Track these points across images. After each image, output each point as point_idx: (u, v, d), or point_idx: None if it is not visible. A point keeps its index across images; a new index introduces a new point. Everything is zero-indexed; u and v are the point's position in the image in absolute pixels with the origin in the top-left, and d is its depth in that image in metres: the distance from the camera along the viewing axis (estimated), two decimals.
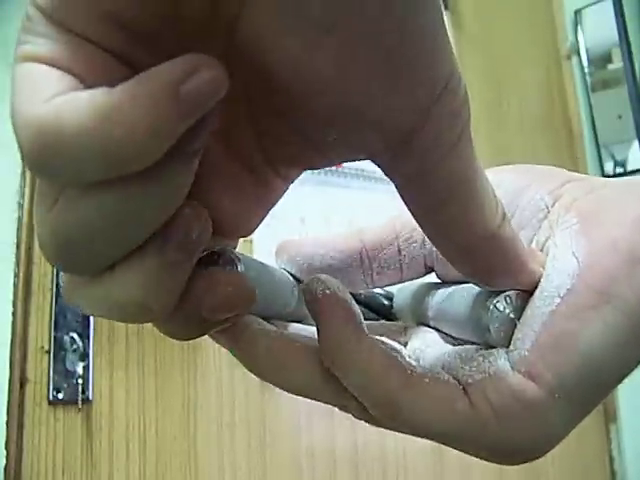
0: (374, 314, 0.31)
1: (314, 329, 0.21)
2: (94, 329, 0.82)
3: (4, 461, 0.74)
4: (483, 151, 1.24)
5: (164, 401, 0.87)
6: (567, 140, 1.48)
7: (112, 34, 0.14)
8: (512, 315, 0.21)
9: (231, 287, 0.18)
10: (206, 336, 0.21)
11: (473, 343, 0.23)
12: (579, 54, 1.51)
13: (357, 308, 0.21)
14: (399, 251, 0.26)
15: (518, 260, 0.20)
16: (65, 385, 0.80)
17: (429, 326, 0.27)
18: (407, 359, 0.21)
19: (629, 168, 1.46)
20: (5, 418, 0.75)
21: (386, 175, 0.19)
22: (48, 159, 0.13)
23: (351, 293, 0.22)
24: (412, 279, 0.27)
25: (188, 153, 0.15)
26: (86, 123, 0.13)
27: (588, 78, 1.51)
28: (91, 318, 0.82)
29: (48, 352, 0.81)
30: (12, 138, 0.14)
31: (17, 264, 0.80)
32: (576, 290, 0.20)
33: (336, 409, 0.23)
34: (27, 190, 0.80)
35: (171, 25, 0.15)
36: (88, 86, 0.14)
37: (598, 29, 1.48)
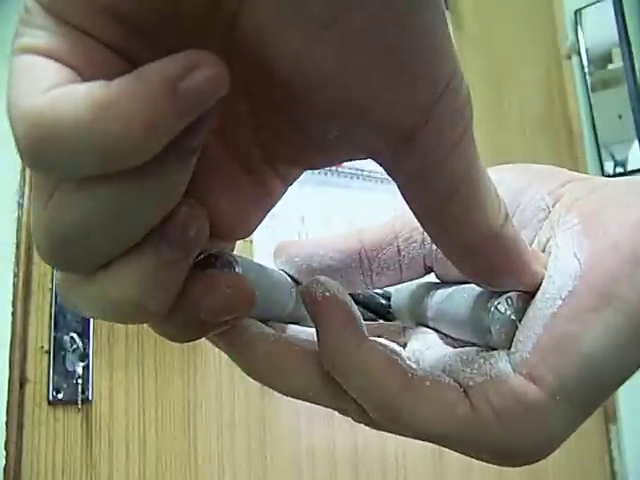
0: (372, 314, 0.31)
1: (313, 331, 0.21)
2: (94, 329, 0.82)
3: (4, 461, 0.74)
4: (483, 151, 1.23)
5: (164, 401, 0.87)
6: (567, 140, 1.48)
7: (111, 28, 0.14)
8: (513, 317, 0.21)
9: (230, 289, 0.18)
10: None
11: (473, 344, 0.23)
12: (579, 54, 1.51)
13: (357, 310, 0.21)
14: (398, 251, 0.26)
15: (520, 260, 0.20)
16: (65, 385, 0.80)
17: (428, 327, 0.27)
18: (407, 361, 0.21)
19: (629, 168, 1.46)
20: (5, 418, 0.75)
21: (388, 174, 0.18)
22: (43, 152, 0.13)
23: (349, 293, 0.22)
24: (412, 279, 0.27)
25: (186, 150, 0.15)
26: (83, 116, 0.13)
27: (588, 78, 1.51)
28: (91, 318, 0.82)
29: (48, 352, 0.81)
30: (12, 136, 0.14)
31: (17, 264, 0.80)
32: (578, 292, 0.20)
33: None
34: (27, 190, 0.80)
35: (171, 20, 0.14)
36: (86, 79, 0.14)
37: (598, 29, 1.48)
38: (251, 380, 0.22)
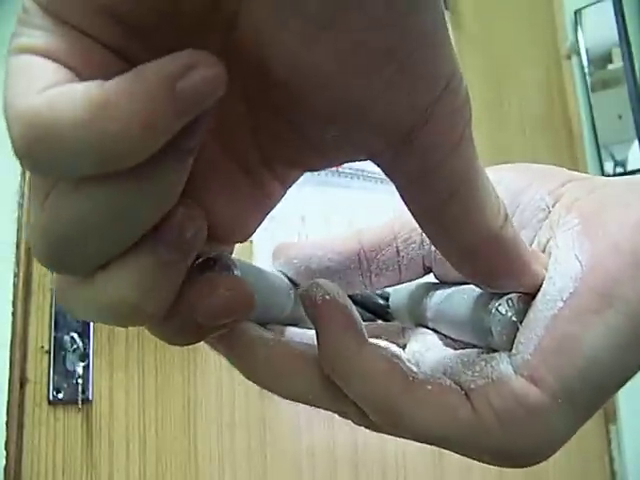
0: (370, 314, 0.31)
1: (312, 333, 0.21)
2: (94, 329, 0.82)
3: (4, 461, 0.74)
4: (483, 151, 1.23)
5: (164, 401, 0.87)
6: (567, 140, 1.48)
7: (109, 28, 0.14)
8: (514, 318, 0.21)
9: (230, 292, 0.18)
10: None
11: (474, 345, 0.23)
12: (579, 54, 1.51)
13: (357, 313, 0.21)
14: (397, 252, 0.26)
15: (521, 261, 0.20)
16: (65, 385, 0.80)
17: (428, 327, 0.27)
18: (407, 364, 0.21)
19: (629, 168, 1.46)
20: (5, 418, 0.75)
21: (387, 175, 0.18)
22: (40, 152, 0.13)
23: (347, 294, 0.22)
24: (411, 280, 0.27)
25: (183, 150, 0.15)
26: (80, 115, 0.13)
27: (588, 78, 1.51)
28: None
29: (48, 352, 0.81)
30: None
31: (17, 264, 0.80)
32: (579, 293, 0.19)
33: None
34: (27, 190, 0.80)
35: (170, 20, 0.14)
36: (84, 80, 0.14)
37: (598, 29, 1.48)
38: None
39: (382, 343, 0.25)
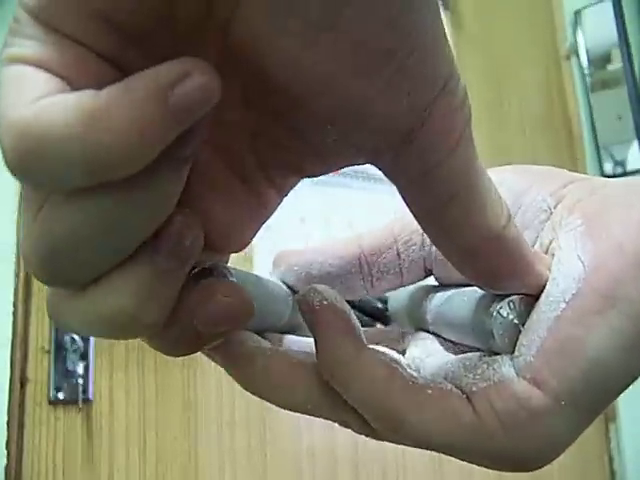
0: (368, 318, 0.31)
1: (310, 340, 0.21)
2: None
3: (5, 461, 0.74)
4: (483, 151, 1.24)
5: (164, 401, 0.87)
6: (567, 140, 1.48)
7: (102, 36, 0.14)
8: (516, 321, 0.21)
9: (228, 298, 0.18)
10: None
11: (475, 349, 0.23)
12: (579, 54, 1.51)
13: (355, 319, 0.21)
14: (398, 255, 0.26)
15: (524, 262, 0.20)
16: (65, 385, 0.80)
17: (428, 331, 0.27)
18: (408, 369, 0.21)
19: (628, 168, 1.46)
20: (6, 418, 0.75)
21: (387, 177, 0.18)
22: (31, 163, 0.13)
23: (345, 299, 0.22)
24: (412, 283, 0.27)
25: (178, 160, 0.15)
26: (72, 126, 0.12)
27: (588, 78, 1.51)
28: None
29: (48, 352, 0.81)
30: None
31: (17, 264, 0.80)
32: (582, 294, 0.19)
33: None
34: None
35: (164, 27, 0.14)
36: (76, 89, 0.13)
37: (598, 29, 1.48)
38: None
39: (381, 349, 0.25)
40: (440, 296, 0.26)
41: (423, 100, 0.16)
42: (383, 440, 0.21)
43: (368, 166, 0.19)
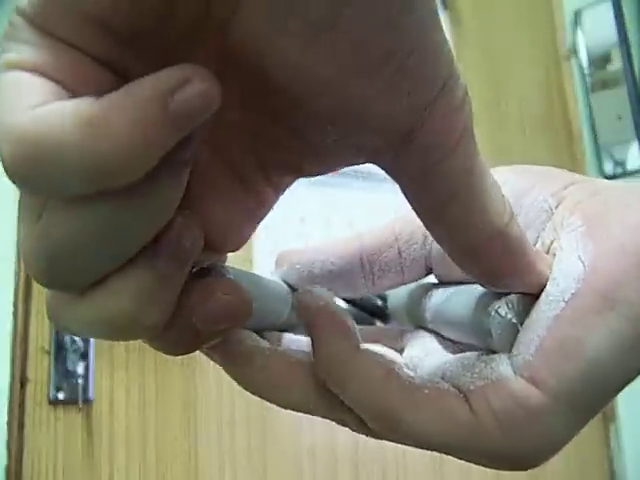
0: (368, 315, 0.31)
1: (308, 339, 0.21)
2: None
3: (5, 461, 0.74)
4: (483, 151, 1.23)
5: (164, 401, 0.87)
6: (567, 140, 1.48)
7: (98, 39, 0.14)
8: (514, 320, 0.21)
9: (227, 295, 0.18)
10: None
11: (474, 347, 0.23)
12: (579, 54, 1.51)
13: (351, 319, 0.21)
14: (399, 253, 0.26)
15: (526, 260, 0.20)
16: (65, 385, 0.81)
17: (427, 329, 0.27)
18: (405, 369, 0.21)
19: (628, 168, 1.46)
20: (6, 418, 0.75)
21: (389, 175, 0.18)
22: (30, 171, 0.13)
23: (344, 297, 0.22)
24: (414, 281, 0.27)
25: (178, 163, 0.14)
26: (71, 134, 0.12)
27: (587, 78, 1.51)
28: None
29: (49, 352, 0.81)
30: None
31: (17, 264, 0.80)
32: (581, 294, 0.19)
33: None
34: None
35: (161, 29, 0.14)
36: (73, 94, 0.13)
37: (598, 29, 1.48)
38: None
39: (378, 348, 0.25)
40: (439, 294, 0.26)
41: (423, 100, 0.16)
42: (381, 439, 0.21)
43: (368, 166, 0.19)
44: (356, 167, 0.19)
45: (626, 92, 1.31)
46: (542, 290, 0.21)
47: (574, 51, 1.51)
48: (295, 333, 0.26)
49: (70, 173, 0.13)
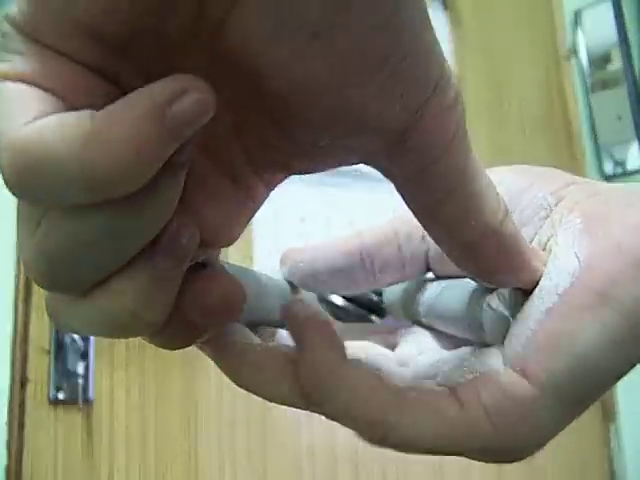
0: (364, 310, 0.31)
1: None
2: None
3: (5, 461, 0.74)
4: (483, 151, 1.24)
5: (164, 401, 0.87)
6: (567, 140, 1.48)
7: (88, 47, 0.14)
8: (506, 313, 0.21)
9: (223, 287, 0.18)
10: None
11: (468, 341, 0.23)
12: (579, 54, 1.51)
13: (337, 336, 0.21)
14: (399, 248, 0.26)
15: (520, 257, 0.20)
16: (66, 385, 0.81)
17: (422, 324, 0.27)
18: (393, 367, 0.21)
19: (628, 168, 1.46)
20: (6, 418, 0.75)
21: (384, 175, 0.19)
22: (30, 184, 0.13)
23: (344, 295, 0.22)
24: (414, 276, 0.27)
25: (176, 166, 0.15)
26: (71, 148, 0.12)
27: (587, 79, 1.51)
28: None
29: (49, 352, 0.81)
30: None
31: (17, 264, 0.80)
32: (575, 290, 0.19)
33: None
34: None
35: (153, 35, 0.14)
36: (67, 102, 0.13)
37: (598, 29, 1.48)
38: None
39: (369, 346, 0.25)
40: (433, 288, 0.26)
41: (416, 101, 0.16)
42: (375, 445, 0.21)
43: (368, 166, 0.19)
44: (356, 167, 0.20)
45: (626, 92, 1.31)
46: (536, 285, 0.21)
47: (574, 51, 1.51)
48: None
49: (70, 186, 0.13)
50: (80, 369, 0.81)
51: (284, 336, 0.25)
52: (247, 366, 0.21)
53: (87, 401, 0.81)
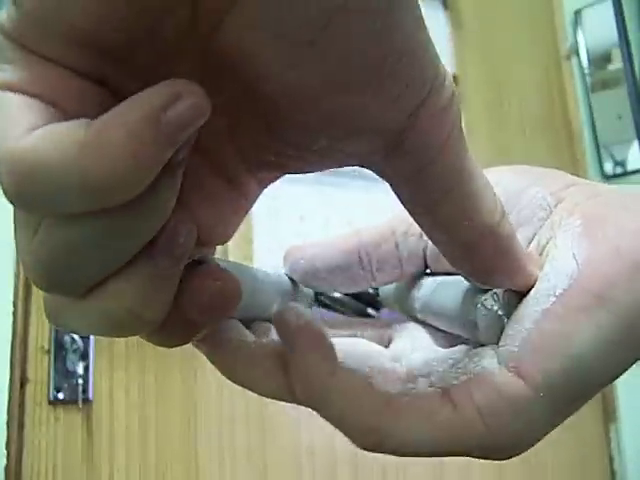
0: (360, 303, 0.31)
1: None
2: None
3: (5, 461, 0.74)
4: (483, 151, 1.24)
5: (164, 401, 0.87)
6: (567, 140, 1.48)
7: (82, 55, 0.14)
8: (500, 312, 0.21)
9: (219, 282, 0.18)
10: None
11: (462, 338, 0.23)
12: (579, 54, 1.51)
13: (329, 338, 0.21)
14: (397, 246, 0.26)
15: (516, 260, 0.20)
16: (65, 385, 0.81)
17: (417, 320, 0.27)
18: (388, 363, 0.21)
19: (629, 168, 1.46)
20: (6, 418, 0.75)
21: (380, 176, 0.19)
22: (28, 193, 0.13)
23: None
24: (413, 273, 0.27)
25: (173, 166, 0.15)
26: (69, 158, 0.12)
27: (588, 78, 1.51)
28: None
29: (48, 352, 0.81)
30: None
31: (17, 264, 0.80)
32: (572, 291, 0.20)
33: None
34: None
35: (147, 42, 0.14)
36: (59, 108, 0.14)
37: (598, 29, 1.48)
38: None
39: (362, 344, 0.25)
40: (429, 284, 0.26)
41: (412, 103, 0.16)
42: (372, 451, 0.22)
43: None
44: (355, 167, 0.20)
45: (626, 92, 1.31)
46: (533, 286, 0.21)
47: (574, 51, 1.51)
48: None
49: (68, 194, 0.13)
50: (80, 369, 0.81)
51: None
52: (239, 362, 0.21)
53: (87, 401, 0.81)
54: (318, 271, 0.27)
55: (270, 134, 0.18)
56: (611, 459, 1.31)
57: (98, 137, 0.13)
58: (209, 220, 0.20)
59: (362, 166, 0.19)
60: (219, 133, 0.18)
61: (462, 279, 0.23)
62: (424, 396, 0.21)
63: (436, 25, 1.27)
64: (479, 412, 0.20)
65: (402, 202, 0.19)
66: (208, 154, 0.19)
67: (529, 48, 1.49)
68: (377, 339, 0.27)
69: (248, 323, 0.23)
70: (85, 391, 0.81)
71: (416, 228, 0.26)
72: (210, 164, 0.19)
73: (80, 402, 0.80)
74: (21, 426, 0.77)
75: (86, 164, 0.13)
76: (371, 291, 0.31)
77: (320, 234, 1.06)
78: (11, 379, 0.77)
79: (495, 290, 0.21)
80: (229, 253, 0.84)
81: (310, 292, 0.29)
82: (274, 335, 0.25)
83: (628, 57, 1.28)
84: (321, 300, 0.30)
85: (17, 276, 0.80)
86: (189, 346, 0.21)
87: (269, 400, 0.22)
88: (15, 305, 0.79)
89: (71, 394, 0.80)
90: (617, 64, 1.45)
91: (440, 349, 0.25)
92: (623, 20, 1.33)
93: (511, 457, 0.21)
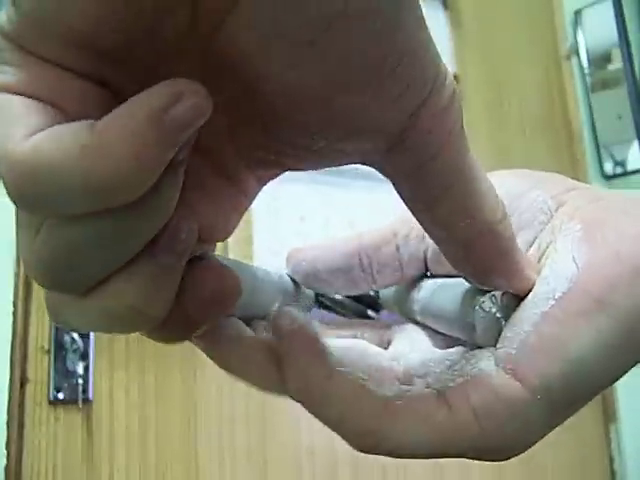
0: (360, 304, 0.31)
1: None
2: None
3: (5, 461, 0.74)
4: (483, 151, 1.24)
5: (164, 401, 0.87)
6: (567, 140, 1.48)
7: (80, 56, 0.14)
8: (498, 315, 0.21)
9: (220, 277, 0.18)
10: None
11: (461, 340, 0.24)
12: (579, 54, 1.51)
13: (324, 342, 0.21)
14: (397, 249, 0.27)
15: (514, 262, 0.20)
16: (65, 385, 0.81)
17: (416, 321, 0.28)
18: (386, 362, 0.21)
19: (629, 168, 1.46)
20: (5, 418, 0.75)
21: (381, 173, 0.19)
22: (31, 196, 0.13)
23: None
24: (413, 276, 0.27)
25: (175, 164, 0.15)
26: (72, 160, 0.13)
27: (588, 78, 1.51)
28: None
29: (48, 352, 0.81)
30: None
31: (17, 264, 0.80)
32: (572, 295, 0.19)
33: None
34: None
35: (147, 42, 0.14)
36: (63, 111, 0.14)
37: (598, 29, 1.48)
38: None
39: (361, 344, 0.25)
40: (428, 287, 0.27)
41: (413, 103, 0.16)
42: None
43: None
44: (355, 166, 0.20)
45: (626, 92, 1.31)
46: (531, 290, 0.21)
47: (574, 51, 1.51)
48: None
49: (72, 196, 0.13)
50: (80, 369, 0.81)
51: None
52: (235, 357, 0.21)
53: (87, 401, 0.81)
54: (319, 273, 0.27)
55: (270, 134, 0.18)
56: (611, 459, 1.31)
57: (100, 138, 0.13)
58: (209, 217, 0.20)
59: (363, 163, 0.19)
60: (219, 132, 0.18)
61: (462, 282, 0.23)
62: (420, 398, 0.21)
63: (436, 25, 1.27)
64: (475, 414, 0.20)
65: (403, 199, 0.19)
66: (208, 152, 0.19)
67: (529, 48, 1.49)
68: (377, 341, 0.27)
69: (248, 322, 0.23)
70: (85, 391, 0.81)
71: (417, 231, 0.26)
72: (210, 162, 0.19)
73: (80, 402, 0.80)
74: (21, 426, 0.77)
75: (89, 165, 0.13)
76: (372, 293, 0.31)
77: (320, 234, 1.06)
78: (11, 379, 0.77)
79: (494, 293, 0.21)
80: (229, 252, 0.84)
81: (311, 293, 0.29)
82: None
83: (628, 57, 1.29)
84: (322, 301, 0.30)
85: (17, 276, 0.80)
86: (189, 346, 0.21)
87: (269, 400, 0.22)
88: (15, 305, 0.79)
89: (71, 394, 0.80)
90: (617, 64, 1.45)
91: (438, 350, 0.25)
92: (623, 20, 1.33)
93: (508, 458, 0.21)
